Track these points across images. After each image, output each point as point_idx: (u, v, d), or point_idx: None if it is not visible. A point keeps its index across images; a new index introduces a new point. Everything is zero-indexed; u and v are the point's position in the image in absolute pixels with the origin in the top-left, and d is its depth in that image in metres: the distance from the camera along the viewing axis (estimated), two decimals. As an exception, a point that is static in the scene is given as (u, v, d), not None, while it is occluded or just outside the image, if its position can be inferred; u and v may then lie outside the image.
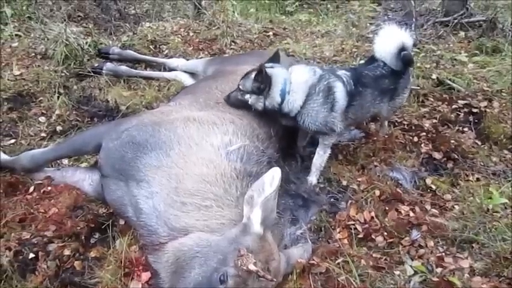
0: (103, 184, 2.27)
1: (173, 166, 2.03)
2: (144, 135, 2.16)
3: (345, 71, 2.58)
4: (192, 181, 1.98)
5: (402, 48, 2.59)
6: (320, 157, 2.60)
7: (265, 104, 2.43)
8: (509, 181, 2.71)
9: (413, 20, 5.33)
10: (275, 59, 2.60)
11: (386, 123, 3.11)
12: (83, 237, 2.16)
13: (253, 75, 2.41)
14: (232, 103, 2.50)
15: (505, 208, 2.46)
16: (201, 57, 4.11)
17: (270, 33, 5.20)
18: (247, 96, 2.45)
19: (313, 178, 2.61)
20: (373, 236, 2.30)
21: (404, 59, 2.61)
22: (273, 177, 1.80)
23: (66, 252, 2.06)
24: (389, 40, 2.64)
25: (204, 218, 1.88)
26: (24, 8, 4.66)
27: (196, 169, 2.02)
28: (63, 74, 3.57)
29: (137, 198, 2.02)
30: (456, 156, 2.95)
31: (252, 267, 1.61)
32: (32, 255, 2.01)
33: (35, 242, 2.07)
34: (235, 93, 2.50)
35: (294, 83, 2.42)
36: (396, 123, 3.26)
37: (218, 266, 1.64)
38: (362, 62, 4.23)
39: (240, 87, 2.46)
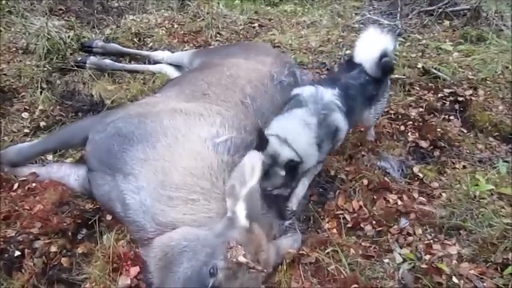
0: (90, 179, 2.23)
1: (159, 159, 2.00)
2: (130, 127, 2.13)
3: (331, 90, 2.34)
4: (178, 174, 1.95)
5: (384, 55, 2.47)
6: (304, 187, 2.46)
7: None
8: (495, 168, 2.74)
9: (398, 9, 5.35)
10: (263, 143, 2.07)
11: (372, 128, 3.00)
12: (69, 234, 2.13)
13: (280, 172, 2.09)
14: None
15: (492, 194, 2.49)
16: (186, 50, 4.07)
17: (256, 24, 5.17)
18: (274, 191, 2.18)
19: (293, 206, 2.40)
20: (361, 225, 2.32)
21: (385, 66, 2.49)
22: (253, 166, 1.78)
23: (53, 249, 2.03)
24: (372, 46, 2.51)
25: (191, 212, 1.86)
26: (3, 1, 4.54)
27: (183, 162, 2.00)
28: (45, 69, 3.48)
29: (124, 193, 1.99)
30: (443, 145, 2.97)
31: (242, 259, 1.60)
32: (17, 252, 1.97)
33: (21, 239, 2.03)
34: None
35: (302, 154, 2.12)
36: (383, 113, 3.27)
37: (207, 260, 1.62)
38: (348, 51, 4.25)
39: (268, 188, 2.14)
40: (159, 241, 1.80)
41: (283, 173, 2.08)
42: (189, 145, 2.07)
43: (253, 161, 1.79)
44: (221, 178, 2.00)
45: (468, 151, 2.96)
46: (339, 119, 2.30)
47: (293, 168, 2.10)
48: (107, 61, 3.71)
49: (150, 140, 2.06)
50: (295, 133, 2.14)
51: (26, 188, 2.33)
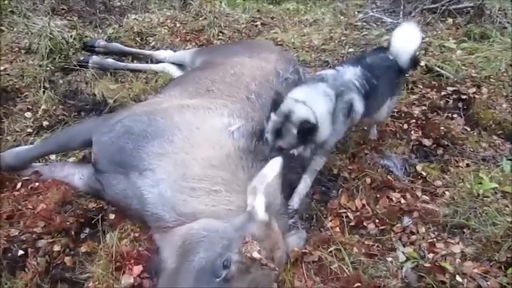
0: (102, 180, 2.22)
1: (179, 152, 2.02)
2: (141, 125, 2.13)
3: (353, 70, 2.35)
4: (199, 166, 1.97)
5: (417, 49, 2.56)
6: (306, 185, 2.43)
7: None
8: (499, 166, 2.73)
9: (401, 7, 5.33)
10: (278, 102, 2.11)
11: (375, 126, 2.98)
12: (72, 233, 2.14)
13: (293, 130, 2.05)
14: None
15: (495, 193, 2.48)
16: (188, 49, 4.07)
17: (258, 22, 5.17)
18: (293, 151, 2.14)
19: (295, 204, 2.37)
20: (364, 224, 2.32)
21: (416, 60, 2.59)
22: (273, 167, 1.80)
23: (56, 248, 2.03)
24: (410, 39, 2.55)
25: (212, 204, 1.88)
26: (6, 1, 4.55)
27: (202, 152, 2.01)
28: (48, 68, 3.50)
29: (141, 188, 2.00)
30: (446, 143, 2.96)
31: (256, 255, 1.60)
32: (21, 252, 1.98)
33: (24, 238, 2.04)
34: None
35: (319, 117, 2.10)
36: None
37: (222, 252, 1.62)
38: (350, 50, 4.25)
39: (283, 147, 2.12)
40: (179, 230, 1.81)
41: (295, 131, 2.04)
42: (206, 135, 2.09)
43: (275, 162, 1.81)
44: (240, 166, 2.02)
45: (471, 149, 2.94)
46: (355, 99, 2.29)
47: (307, 131, 2.06)
48: (110, 60, 3.72)
49: (166, 135, 2.07)
50: (315, 98, 2.15)
51: (29, 187, 2.34)
